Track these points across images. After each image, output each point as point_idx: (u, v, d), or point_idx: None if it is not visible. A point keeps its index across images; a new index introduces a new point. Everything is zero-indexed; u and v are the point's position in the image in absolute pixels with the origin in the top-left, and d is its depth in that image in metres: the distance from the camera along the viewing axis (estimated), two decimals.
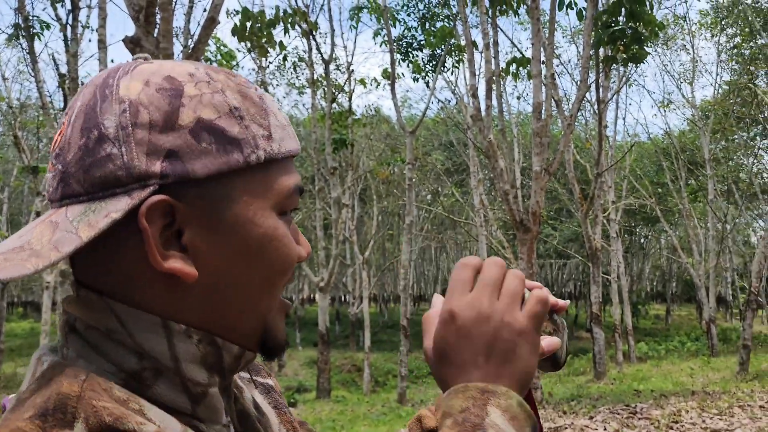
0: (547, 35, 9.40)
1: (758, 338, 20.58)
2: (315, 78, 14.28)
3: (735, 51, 19.55)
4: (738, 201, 22.22)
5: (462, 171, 23.60)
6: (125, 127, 0.51)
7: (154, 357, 0.53)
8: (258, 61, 13.74)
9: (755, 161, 24.14)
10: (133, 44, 5.10)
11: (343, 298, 36.63)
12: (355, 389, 17.21)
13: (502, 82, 11.15)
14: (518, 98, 24.81)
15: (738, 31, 19.24)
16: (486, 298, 0.59)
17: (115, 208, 0.50)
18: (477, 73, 10.23)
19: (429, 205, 25.30)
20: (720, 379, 10.79)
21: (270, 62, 13.13)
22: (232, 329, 0.57)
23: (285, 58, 10.73)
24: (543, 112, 8.87)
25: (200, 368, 0.55)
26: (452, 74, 17.42)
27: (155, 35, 5.17)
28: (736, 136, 22.07)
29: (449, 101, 20.36)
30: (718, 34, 19.81)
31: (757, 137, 22.69)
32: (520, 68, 10.87)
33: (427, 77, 15.95)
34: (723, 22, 19.42)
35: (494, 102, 9.86)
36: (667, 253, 30.40)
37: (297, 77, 18.27)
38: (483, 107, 9.54)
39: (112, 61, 10.79)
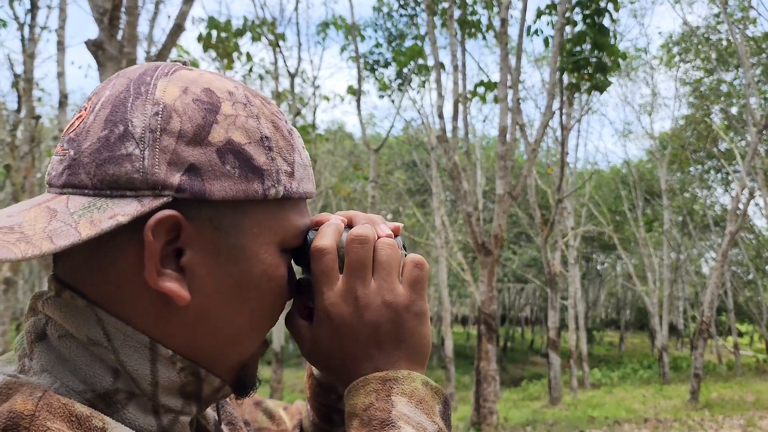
0: (514, 62, 9.46)
1: (708, 367, 20.98)
2: (280, 91, 14.12)
3: (693, 85, 20.13)
4: (692, 232, 22.77)
5: (424, 191, 23.63)
6: (154, 131, 0.48)
7: (133, 378, 0.49)
8: (223, 71, 13.50)
9: (708, 194, 24.87)
10: (95, 47, 4.90)
11: None
12: None
13: (467, 105, 11.18)
14: (483, 121, 25.03)
15: (695, 66, 19.83)
16: (359, 285, 0.55)
17: (123, 211, 0.47)
18: (444, 94, 10.24)
19: None
20: (672, 407, 10.88)
21: (236, 72, 12.89)
22: (213, 360, 0.54)
23: (251, 70, 10.54)
24: (508, 136, 8.90)
25: (177, 397, 0.52)
26: (418, 93, 17.48)
27: (119, 39, 5.00)
28: (691, 169, 22.68)
29: (414, 120, 20.42)
30: (676, 68, 20.39)
31: (711, 170, 23.37)
32: (487, 91, 10.93)
33: (392, 95, 15.95)
34: (679, 57, 20.00)
35: (460, 124, 9.86)
36: (622, 280, 30.90)
37: (261, 89, 18.07)
38: (449, 128, 9.53)
39: (72, 63, 10.45)
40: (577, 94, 11.32)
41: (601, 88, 9.58)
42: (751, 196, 12.55)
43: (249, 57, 8.87)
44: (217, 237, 0.51)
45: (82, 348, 0.49)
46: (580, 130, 19.42)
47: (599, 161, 31.58)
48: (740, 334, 28.40)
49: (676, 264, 21.47)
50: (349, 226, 0.61)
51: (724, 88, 19.11)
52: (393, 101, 16.12)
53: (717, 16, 17.47)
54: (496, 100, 10.11)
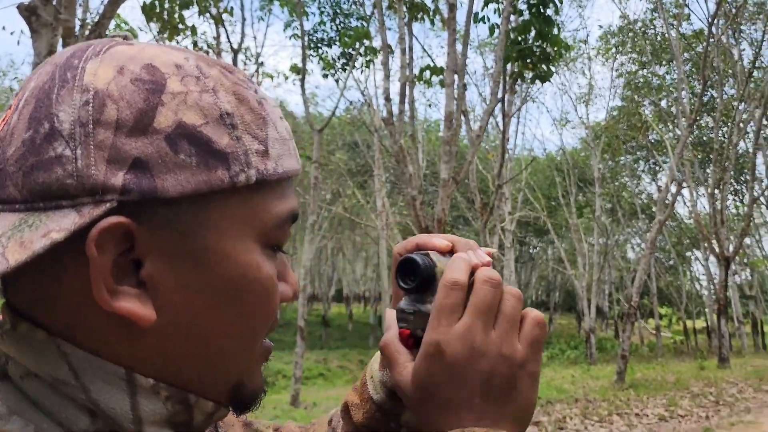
0: (460, 47, 9.53)
1: (631, 349, 21.99)
2: None
3: (628, 77, 20.84)
4: (620, 219, 23.72)
5: (365, 172, 23.65)
6: (85, 124, 0.40)
7: (112, 418, 0.42)
8: (163, 44, 12.94)
9: (637, 183, 25.94)
10: (29, 12, 4.65)
11: None
12: None
13: (413, 89, 11.22)
14: (429, 105, 25.18)
15: (630, 59, 20.53)
16: (480, 329, 0.51)
17: (58, 225, 0.39)
18: (390, 76, 10.22)
19: (329, 204, 25.13)
20: (599, 387, 11.38)
21: (179, 43, 12.44)
22: (201, 383, 0.47)
23: (195, 44, 10.18)
24: (453, 121, 9.00)
25: (166, 430, 0.45)
26: (362, 74, 17.41)
27: (54, 4, 4.74)
28: (622, 158, 23.55)
29: (357, 101, 20.32)
30: (613, 60, 21.05)
31: (640, 161, 24.35)
32: (433, 76, 10.98)
33: (337, 75, 15.82)
34: (616, 49, 20.67)
35: (406, 107, 9.88)
36: (553, 264, 31.94)
37: None
38: (395, 111, 9.54)
39: (3, 28, 9.82)
40: (518, 83, 11.55)
41: (544, 78, 9.77)
42: (680, 187, 13.15)
43: (194, 30, 8.59)
44: (179, 240, 0.43)
45: (49, 389, 0.42)
46: (520, 118, 19.84)
47: (536, 148, 32.38)
48: (660, 317, 29.89)
49: (604, 249, 22.34)
50: (450, 252, 0.60)
51: (656, 81, 19.87)
52: (337, 81, 16.00)
53: (653, 11, 18.10)
54: (442, 84, 10.18)
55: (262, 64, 15.04)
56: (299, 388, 11.21)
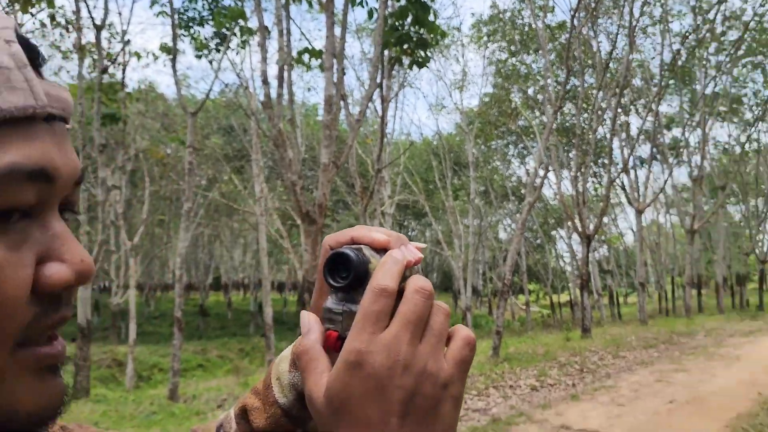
0: (339, 31, 9.46)
1: (504, 324, 23.14)
2: (83, 44, 12.78)
3: (498, 66, 21.72)
4: (493, 201, 24.82)
5: (241, 157, 23.05)
6: None
7: None
8: (15, 16, 11.86)
9: (507, 166, 27.24)
10: None
11: (103, 287, 33.68)
12: (115, 386, 15.90)
13: (291, 72, 11.00)
14: (308, 89, 24.90)
15: (501, 47, 21.41)
16: (407, 341, 0.45)
17: None
18: (268, 59, 9.98)
19: (205, 190, 24.28)
20: (477, 362, 11.88)
21: (34, 15, 11.39)
22: None
23: (53, 18, 9.30)
24: (333, 105, 8.94)
25: None
26: (237, 55, 16.87)
27: None
28: (494, 143, 24.60)
29: (233, 84, 19.70)
30: (484, 48, 21.85)
31: (510, 145, 25.55)
32: (312, 59, 10.84)
33: (211, 56, 15.21)
34: (487, 37, 21.49)
35: (285, 90, 9.68)
36: (431, 245, 32.90)
37: (62, 39, 16.22)
38: (274, 95, 9.32)
39: None
40: (396, 68, 11.69)
41: (421, 64, 9.95)
42: (547, 170, 13.93)
43: (51, 3, 7.87)
44: None
45: None
46: (397, 103, 20.13)
47: (413, 133, 33.03)
48: (529, 293, 31.72)
49: (479, 230, 23.30)
50: (385, 249, 0.53)
51: (524, 70, 20.86)
52: (211, 62, 15.40)
53: (521, 1, 18.94)
54: (321, 68, 10.07)
55: (128, 42, 14.11)
56: (177, 381, 10.77)
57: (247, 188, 21.10)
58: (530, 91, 21.32)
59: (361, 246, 0.51)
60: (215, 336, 26.48)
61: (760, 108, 23.90)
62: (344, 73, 9.93)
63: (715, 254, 28.65)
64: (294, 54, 11.08)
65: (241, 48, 15.45)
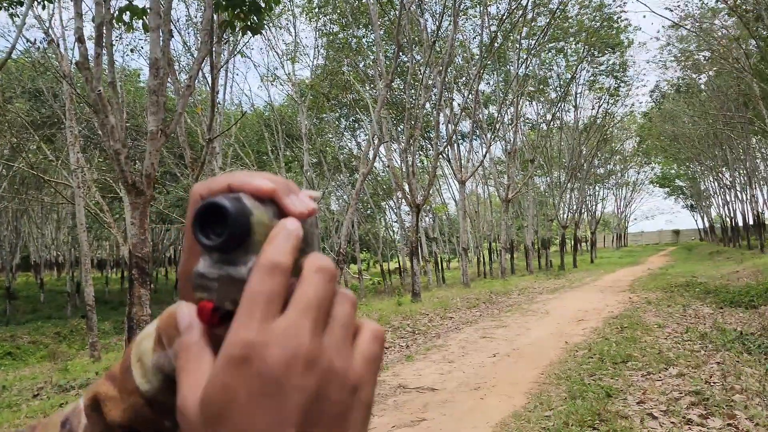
0: None
1: None
2: None
3: (330, 38, 21.75)
4: (326, 173, 25.03)
5: (52, 124, 20.98)
6: None
7: None
8: None
9: (339, 139, 27.56)
10: None
11: None
12: None
13: (111, 31, 10.14)
14: (132, 51, 23.13)
15: (332, 20, 21.44)
16: (308, 331, 0.36)
17: None
18: (83, 15, 9.11)
19: (8, 161, 21.78)
20: None
21: None
22: None
23: None
24: (160, 69, 8.44)
25: None
26: (44, 9, 15.19)
27: None
28: (326, 115, 24.72)
29: (41, 42, 17.75)
30: (316, 20, 21.76)
31: (342, 118, 25.86)
32: (134, 18, 10.08)
33: (13, 9, 13.57)
34: (319, 9, 21.41)
35: (105, 51, 8.94)
36: None
37: None
38: (92, 55, 8.57)
39: None
40: (226, 34, 11.28)
41: (255, 30, 9.69)
42: (380, 143, 14.32)
43: None
44: None
45: None
46: (227, 72, 19.41)
47: (244, 104, 32.13)
48: (361, 261, 32.61)
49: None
50: (271, 200, 0.43)
51: (355, 43, 21.10)
52: (12, 17, 13.75)
53: None
54: (145, 28, 9.42)
55: None
56: None
57: (60, 158, 19.27)
58: (362, 65, 21.66)
59: (240, 194, 0.41)
60: (26, 321, 24.13)
61: (562, 89, 26.46)
62: (171, 36, 9.39)
63: (524, 221, 31.50)
64: (113, 11, 10.24)
65: (49, 2, 13.96)
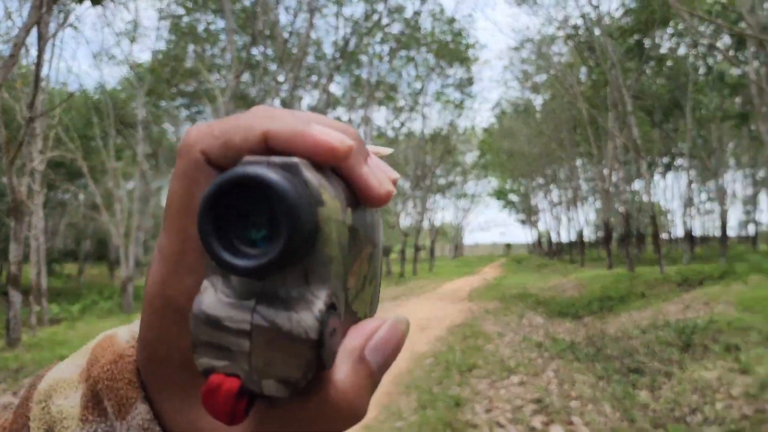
0: None
1: None
2: None
3: (174, 21, 20.46)
4: (161, 165, 23.52)
5: None
6: None
7: None
8: None
9: (176, 129, 26.08)
10: None
11: None
12: None
13: None
14: None
15: (177, 2, 20.20)
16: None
17: None
18: None
19: None
20: None
21: None
22: None
23: None
24: None
25: None
26: None
27: None
28: (164, 103, 23.24)
29: None
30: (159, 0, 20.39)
31: (184, 107, 24.49)
32: None
33: None
34: None
35: None
36: (84, 210, 29.82)
37: None
38: None
39: None
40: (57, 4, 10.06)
41: (97, 0, 8.71)
42: None
43: None
44: None
45: None
46: (54, 46, 17.42)
47: (72, 83, 29.29)
48: None
49: (146, 195, 21.86)
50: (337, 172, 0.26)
51: (203, 29, 20.05)
52: None
53: None
54: None
55: None
56: None
57: None
58: (209, 53, 20.62)
59: (295, 159, 0.23)
60: None
61: (411, 98, 27.23)
62: None
63: None
64: None
65: None
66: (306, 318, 0.22)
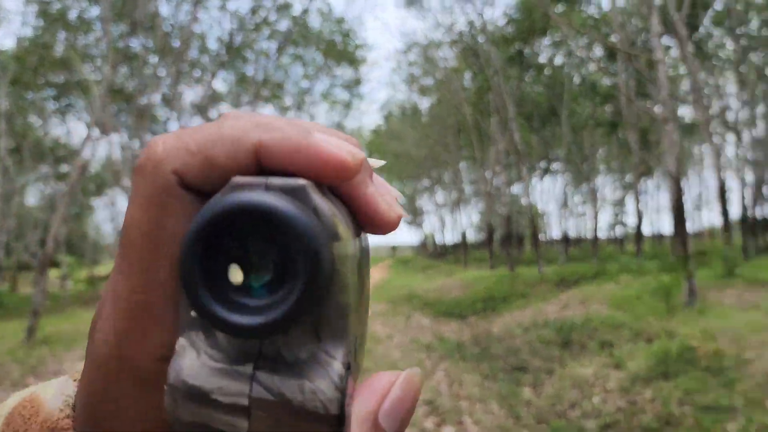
0: None
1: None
2: None
3: (42, 6, 18.98)
4: (27, 161, 21.78)
5: None
6: None
7: None
8: None
9: (44, 123, 24.22)
10: None
11: None
12: None
13: None
14: None
15: None
16: None
17: None
18: None
19: None
20: (7, 348, 10.15)
21: None
22: None
23: None
24: None
25: None
26: None
27: None
28: (31, 94, 21.57)
29: None
30: None
31: (53, 99, 22.83)
32: None
33: None
34: None
35: None
36: None
37: None
38: None
39: None
40: None
41: None
42: (106, 130, 12.76)
43: None
44: None
45: None
46: None
47: None
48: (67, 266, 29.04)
49: (9, 194, 20.12)
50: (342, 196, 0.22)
51: (75, 17, 18.73)
52: None
53: None
54: None
55: None
56: None
57: None
58: (82, 43, 19.26)
59: (303, 182, 0.19)
60: None
61: (298, 97, 26.95)
62: None
63: None
64: None
65: None
66: (322, 386, 0.17)
